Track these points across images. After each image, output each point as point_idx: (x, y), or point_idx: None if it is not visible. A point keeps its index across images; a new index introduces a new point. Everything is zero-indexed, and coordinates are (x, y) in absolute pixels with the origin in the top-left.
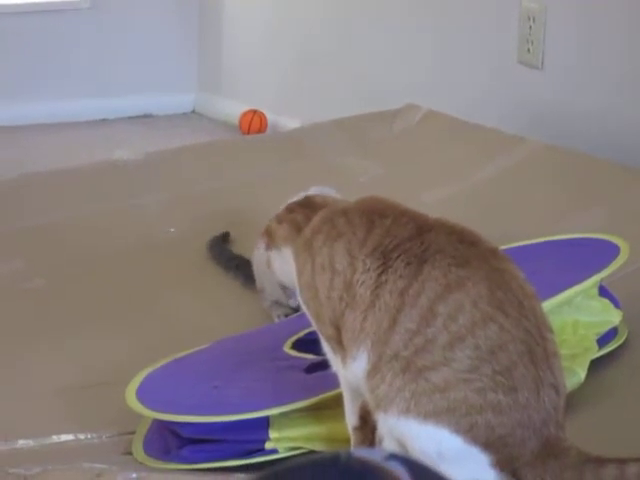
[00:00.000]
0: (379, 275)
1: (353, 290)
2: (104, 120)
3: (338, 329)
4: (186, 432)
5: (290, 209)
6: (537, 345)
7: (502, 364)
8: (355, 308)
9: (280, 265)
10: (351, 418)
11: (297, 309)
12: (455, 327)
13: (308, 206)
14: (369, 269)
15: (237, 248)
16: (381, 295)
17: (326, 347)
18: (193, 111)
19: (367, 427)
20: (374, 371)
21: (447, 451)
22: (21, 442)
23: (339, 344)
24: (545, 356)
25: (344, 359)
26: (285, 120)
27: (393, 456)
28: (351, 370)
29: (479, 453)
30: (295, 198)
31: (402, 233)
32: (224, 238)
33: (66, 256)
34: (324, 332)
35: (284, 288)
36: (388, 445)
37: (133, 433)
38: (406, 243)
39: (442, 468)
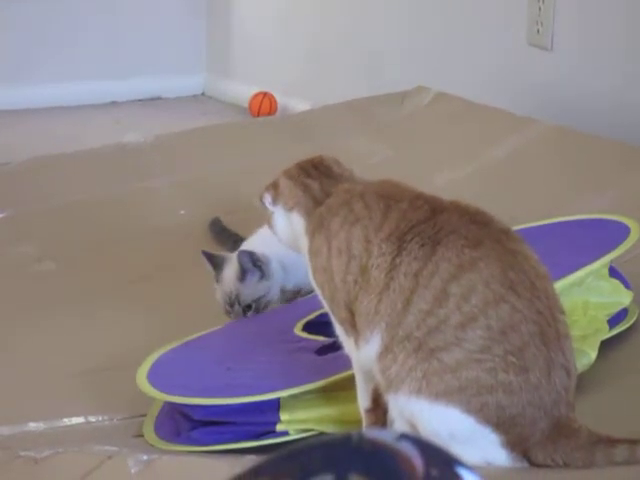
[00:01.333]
0: (394, 258)
1: (368, 274)
2: (113, 103)
3: (352, 312)
4: (197, 414)
5: (304, 170)
6: (549, 326)
7: (514, 344)
8: (370, 291)
9: (284, 226)
10: (363, 400)
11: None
12: (467, 307)
13: (324, 173)
14: (384, 253)
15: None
16: (395, 277)
17: (339, 329)
18: (203, 93)
19: (379, 409)
20: (386, 352)
21: (458, 431)
22: (32, 425)
23: (352, 327)
24: (557, 337)
25: (357, 342)
26: (295, 102)
27: (405, 437)
28: (364, 352)
29: (490, 433)
30: None
31: (417, 216)
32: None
33: (76, 239)
34: (337, 315)
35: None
36: (399, 427)
37: (144, 416)
38: (420, 225)
39: (453, 449)
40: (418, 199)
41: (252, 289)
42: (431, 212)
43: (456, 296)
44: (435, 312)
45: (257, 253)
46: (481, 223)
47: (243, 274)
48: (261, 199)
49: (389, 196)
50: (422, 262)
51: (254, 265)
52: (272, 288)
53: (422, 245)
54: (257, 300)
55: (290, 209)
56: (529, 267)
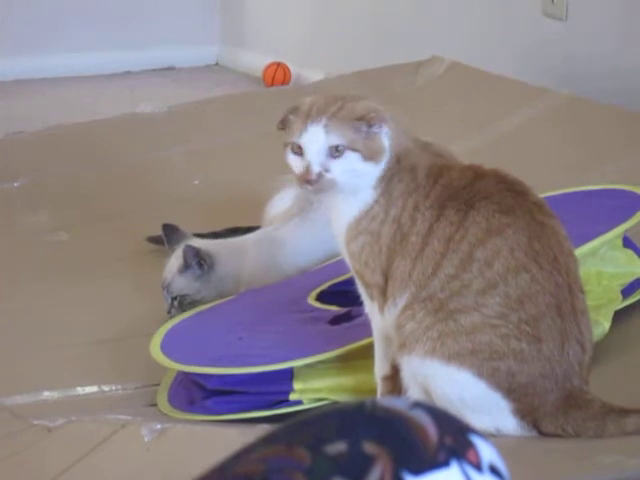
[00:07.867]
0: (432, 224)
1: (407, 239)
2: (128, 72)
3: (385, 278)
4: (210, 384)
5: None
6: (565, 300)
7: (529, 314)
8: (406, 256)
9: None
10: (382, 366)
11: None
12: (489, 273)
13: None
14: (426, 220)
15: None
16: (430, 242)
17: (363, 293)
18: (216, 63)
19: (397, 377)
20: (405, 309)
21: (469, 396)
22: (46, 394)
23: (380, 292)
24: (573, 311)
25: (382, 307)
26: (309, 72)
27: (418, 405)
28: (390, 317)
29: (501, 400)
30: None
31: (460, 183)
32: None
33: (90, 209)
34: (369, 279)
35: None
36: (413, 393)
37: (158, 385)
38: (460, 191)
39: (464, 414)
40: (468, 169)
41: (185, 284)
42: (472, 179)
43: (480, 261)
44: (460, 276)
45: (203, 251)
46: (516, 192)
47: (185, 267)
48: (370, 118)
49: (444, 165)
50: (455, 227)
51: (197, 262)
52: (206, 290)
53: (458, 210)
54: (183, 296)
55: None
56: (555, 242)
